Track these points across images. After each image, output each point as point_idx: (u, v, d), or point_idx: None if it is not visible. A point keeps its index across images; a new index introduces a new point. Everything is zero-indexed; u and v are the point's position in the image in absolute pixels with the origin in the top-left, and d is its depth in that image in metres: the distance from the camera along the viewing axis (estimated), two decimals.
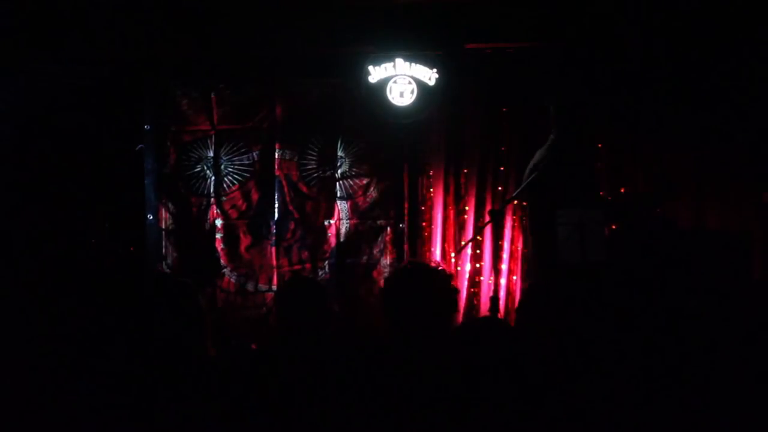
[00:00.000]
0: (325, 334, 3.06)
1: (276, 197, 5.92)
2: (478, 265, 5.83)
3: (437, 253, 5.83)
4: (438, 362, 2.58)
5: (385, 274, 5.82)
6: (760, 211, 5.58)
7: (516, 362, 2.41)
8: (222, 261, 5.92)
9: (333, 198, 5.93)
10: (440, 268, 3.14)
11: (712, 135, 5.55)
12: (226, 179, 5.96)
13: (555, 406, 2.33)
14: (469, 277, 5.81)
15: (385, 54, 5.61)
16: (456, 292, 3.14)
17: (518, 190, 4.83)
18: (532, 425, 2.31)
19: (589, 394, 2.42)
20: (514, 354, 2.44)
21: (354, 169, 5.93)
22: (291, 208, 5.93)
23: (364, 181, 5.93)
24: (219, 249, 5.92)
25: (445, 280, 3.16)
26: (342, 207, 5.93)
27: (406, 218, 5.88)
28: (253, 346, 4.65)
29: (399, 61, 5.61)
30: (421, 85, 5.61)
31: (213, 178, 5.96)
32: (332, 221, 5.92)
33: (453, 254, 5.84)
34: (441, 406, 2.43)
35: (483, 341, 2.51)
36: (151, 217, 5.92)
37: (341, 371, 2.77)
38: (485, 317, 4.62)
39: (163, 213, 5.96)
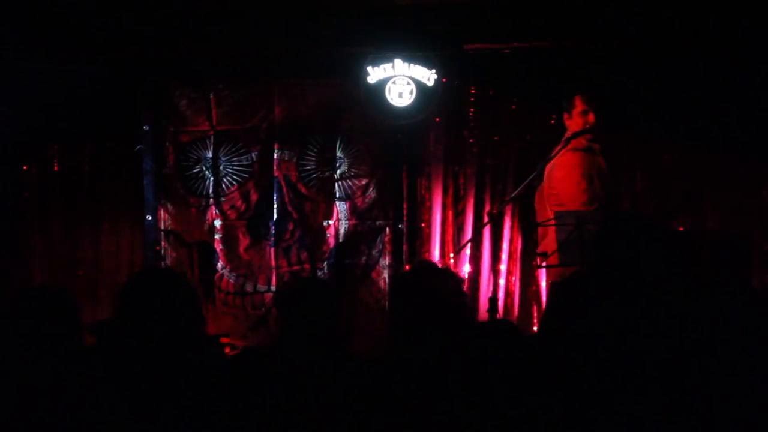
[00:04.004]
0: (332, 337, 3.05)
1: (275, 198, 5.91)
2: (476, 266, 5.83)
3: (436, 253, 5.83)
4: (441, 364, 2.58)
5: (384, 275, 5.82)
6: (760, 211, 5.59)
7: (525, 365, 2.40)
8: (221, 261, 5.91)
9: (332, 198, 5.93)
10: (451, 270, 3.12)
11: (711, 135, 5.54)
12: (224, 180, 5.95)
13: (558, 409, 2.33)
14: (468, 277, 5.80)
15: (384, 54, 5.60)
16: (465, 296, 3.13)
17: (518, 190, 4.82)
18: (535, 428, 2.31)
19: (589, 396, 2.42)
20: (523, 357, 2.43)
21: (353, 170, 5.93)
22: (290, 208, 5.92)
23: (363, 182, 5.93)
24: (218, 249, 5.92)
25: (456, 283, 3.16)
26: (341, 207, 5.92)
27: (405, 219, 5.88)
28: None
29: (398, 61, 5.60)
30: (420, 86, 5.61)
31: (212, 178, 5.95)
32: (331, 222, 5.92)
33: (452, 255, 5.83)
34: (442, 408, 2.43)
35: (493, 344, 2.50)
36: (150, 218, 5.91)
37: (340, 372, 2.76)
38: (496, 319, 4.62)
39: (162, 214, 5.95)
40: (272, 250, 5.91)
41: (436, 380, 2.52)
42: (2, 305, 2.64)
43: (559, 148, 4.71)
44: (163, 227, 5.95)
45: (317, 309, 3.02)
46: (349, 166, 5.92)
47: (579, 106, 4.75)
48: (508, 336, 2.54)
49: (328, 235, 5.92)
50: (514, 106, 5.86)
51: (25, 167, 6.01)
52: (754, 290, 2.77)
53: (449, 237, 5.89)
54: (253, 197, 5.95)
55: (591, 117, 4.73)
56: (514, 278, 5.83)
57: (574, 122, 4.78)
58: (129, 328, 2.51)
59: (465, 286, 5.41)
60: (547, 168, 4.74)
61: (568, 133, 4.77)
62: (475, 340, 2.53)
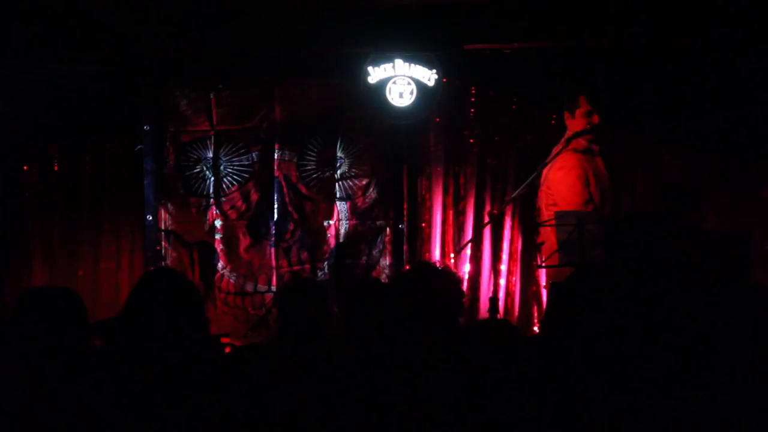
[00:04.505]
0: (325, 334, 3.05)
1: (275, 198, 5.91)
2: (477, 266, 5.83)
3: (436, 253, 5.83)
4: (440, 364, 2.58)
5: (385, 275, 5.82)
6: (760, 211, 5.59)
7: (524, 366, 2.41)
8: (221, 261, 5.91)
9: (332, 198, 5.93)
10: (450, 270, 3.12)
11: (712, 135, 5.55)
12: (225, 180, 5.95)
13: (556, 410, 2.33)
14: (469, 277, 5.80)
15: (384, 54, 5.60)
16: (462, 295, 3.13)
17: (519, 190, 4.83)
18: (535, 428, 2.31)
19: (590, 396, 2.42)
20: (522, 357, 2.44)
21: (353, 170, 5.93)
22: (290, 208, 5.92)
23: (364, 182, 5.93)
24: (218, 249, 5.92)
25: (454, 282, 3.16)
26: (341, 207, 5.92)
27: (405, 219, 5.88)
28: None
29: (398, 61, 5.60)
30: (421, 86, 5.61)
31: (212, 178, 5.95)
32: (331, 222, 5.92)
33: (452, 255, 5.84)
34: (442, 408, 2.43)
35: (491, 343, 2.50)
36: (150, 218, 5.91)
37: (340, 372, 2.76)
38: (493, 319, 4.62)
39: (163, 214, 5.95)
40: (272, 250, 5.91)
41: (435, 380, 2.52)
42: (12, 306, 2.64)
43: (559, 148, 4.72)
44: (163, 227, 5.94)
45: (308, 308, 3.03)
46: (350, 166, 5.93)
47: (583, 106, 4.76)
48: (507, 336, 2.55)
49: (329, 235, 5.92)
50: (514, 106, 5.86)
51: (25, 167, 6.01)
52: (754, 290, 2.76)
53: (450, 237, 5.89)
54: (254, 197, 5.95)
55: (595, 118, 4.73)
56: (514, 278, 5.83)
57: (576, 122, 4.78)
58: (135, 328, 2.52)
59: (464, 286, 5.42)
60: (546, 168, 4.75)
61: (568, 133, 4.78)
62: (475, 340, 2.54)
